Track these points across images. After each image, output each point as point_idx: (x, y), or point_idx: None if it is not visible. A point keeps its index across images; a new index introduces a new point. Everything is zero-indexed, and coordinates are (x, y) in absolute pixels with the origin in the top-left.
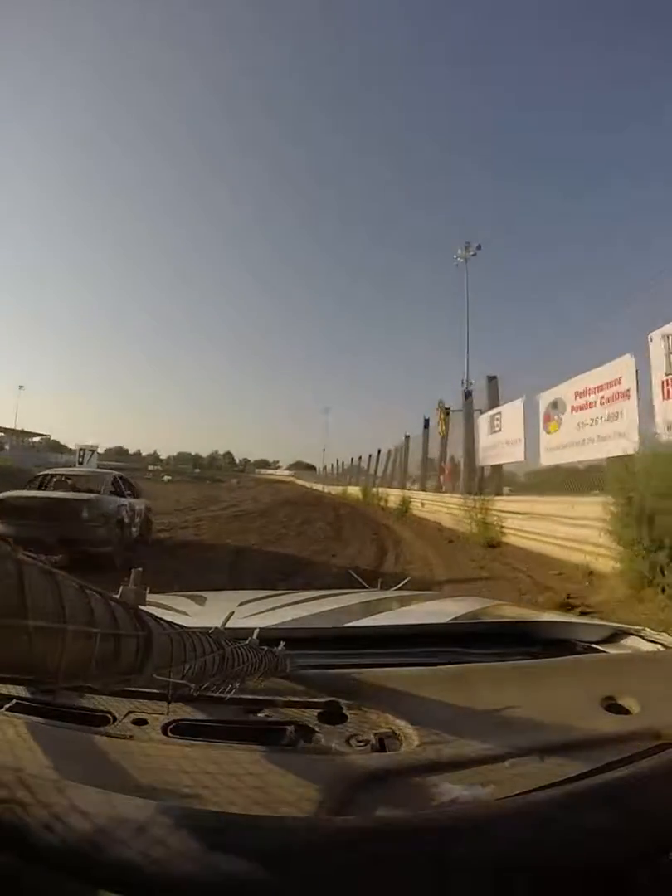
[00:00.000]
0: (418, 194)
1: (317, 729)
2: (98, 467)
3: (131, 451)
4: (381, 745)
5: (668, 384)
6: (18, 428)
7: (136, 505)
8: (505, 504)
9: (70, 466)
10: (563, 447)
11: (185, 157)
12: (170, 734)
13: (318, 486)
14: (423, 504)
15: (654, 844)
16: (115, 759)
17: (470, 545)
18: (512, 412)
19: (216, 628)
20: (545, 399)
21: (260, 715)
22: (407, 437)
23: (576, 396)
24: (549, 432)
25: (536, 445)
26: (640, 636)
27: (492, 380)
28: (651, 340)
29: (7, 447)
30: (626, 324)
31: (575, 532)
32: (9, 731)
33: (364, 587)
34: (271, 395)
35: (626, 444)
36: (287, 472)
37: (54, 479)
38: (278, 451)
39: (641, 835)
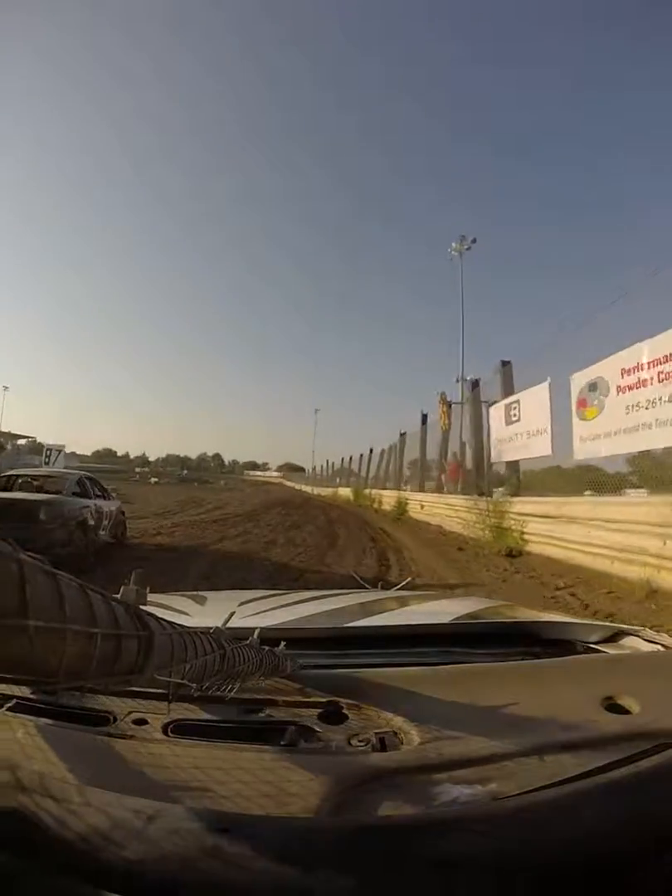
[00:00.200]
0: (413, 188)
1: (317, 729)
2: (67, 468)
3: (120, 454)
4: (382, 745)
5: None
6: (3, 430)
7: (106, 507)
8: (526, 505)
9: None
10: (606, 436)
11: (175, 152)
12: (170, 734)
13: (308, 488)
14: (422, 506)
15: (654, 844)
16: (116, 759)
17: (485, 554)
18: (534, 399)
19: (217, 628)
20: (579, 381)
21: (260, 715)
22: (402, 435)
23: (623, 375)
24: (585, 419)
25: (566, 436)
26: (640, 636)
27: (505, 365)
28: None
29: None
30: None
31: (623, 539)
32: (9, 732)
33: (364, 587)
34: (261, 396)
35: None
36: (276, 474)
37: (19, 480)
38: (267, 453)
39: (642, 834)
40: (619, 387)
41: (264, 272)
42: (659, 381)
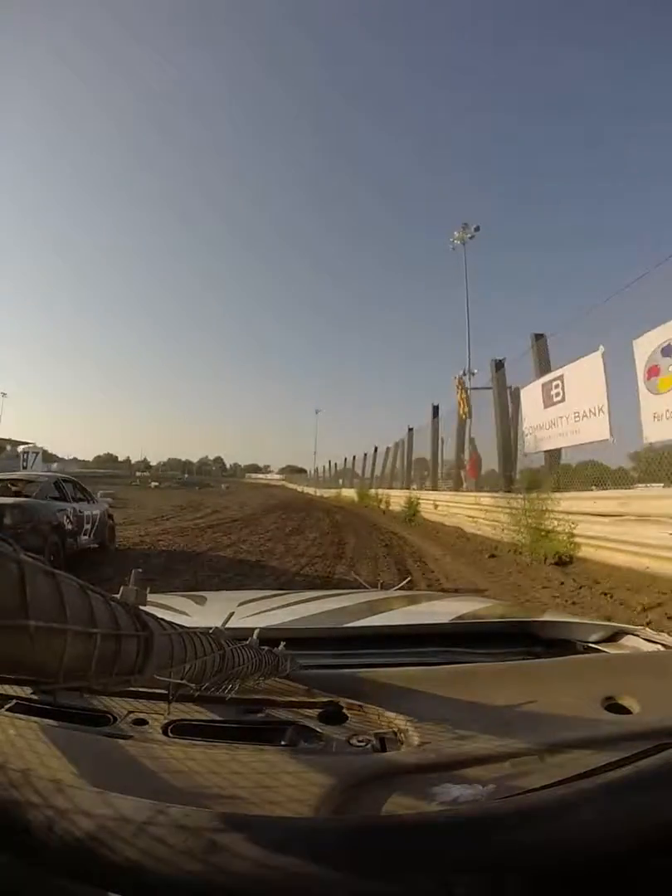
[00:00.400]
0: (415, 183)
1: (317, 729)
2: (49, 471)
3: (121, 458)
4: (382, 745)
5: None
6: (3, 436)
7: (87, 511)
8: (577, 502)
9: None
10: None
11: (169, 156)
12: (170, 734)
13: (310, 490)
14: (436, 506)
15: (654, 844)
16: (116, 760)
17: (526, 562)
18: (583, 373)
19: (216, 628)
20: (647, 345)
21: (260, 715)
22: (410, 430)
23: None
24: (659, 391)
25: (626, 415)
26: (640, 636)
27: (539, 338)
28: None
29: None
30: None
31: None
32: (9, 732)
33: (364, 587)
34: (262, 400)
35: None
36: (278, 477)
37: None
38: (269, 456)
39: (642, 834)
40: None
41: (267, 274)
42: None
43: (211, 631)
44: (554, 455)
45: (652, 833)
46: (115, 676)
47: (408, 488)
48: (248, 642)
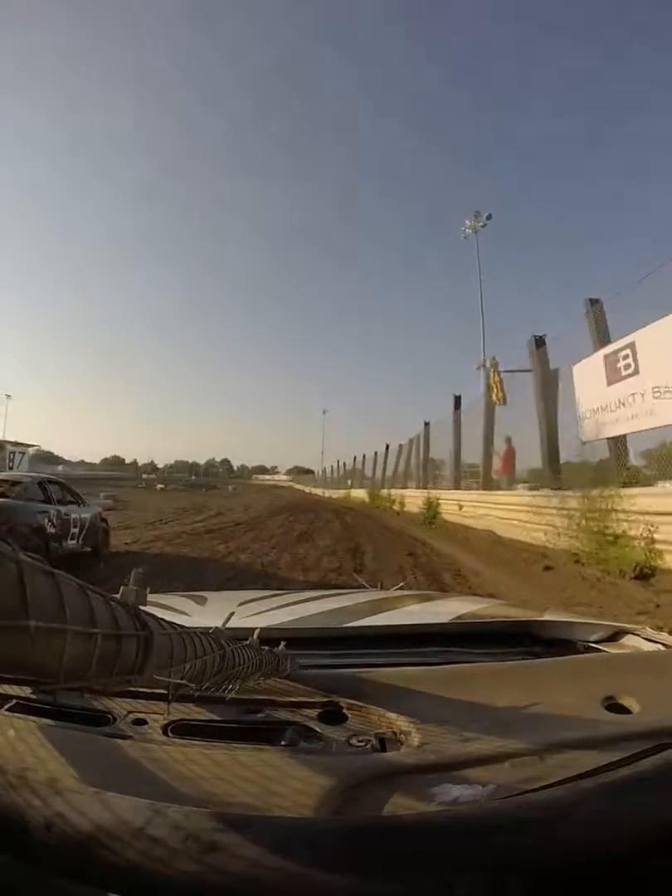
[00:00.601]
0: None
1: (317, 729)
2: (51, 472)
3: (128, 461)
4: (382, 745)
5: None
6: (7, 438)
7: (75, 513)
8: (656, 499)
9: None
10: None
11: (171, 151)
12: (170, 734)
13: (318, 491)
14: (460, 507)
15: (654, 844)
16: (116, 760)
17: (594, 576)
18: (666, 336)
19: (216, 628)
20: None
21: (260, 715)
22: (426, 425)
23: None
24: None
25: None
26: (640, 636)
27: (594, 304)
28: None
29: None
30: None
31: None
32: (9, 732)
33: (364, 587)
34: (269, 402)
35: None
36: (285, 478)
37: None
38: (276, 458)
39: (642, 834)
40: None
41: (273, 276)
42: None
43: (211, 631)
44: (619, 442)
45: (652, 833)
46: (115, 676)
47: (425, 488)
48: (248, 642)
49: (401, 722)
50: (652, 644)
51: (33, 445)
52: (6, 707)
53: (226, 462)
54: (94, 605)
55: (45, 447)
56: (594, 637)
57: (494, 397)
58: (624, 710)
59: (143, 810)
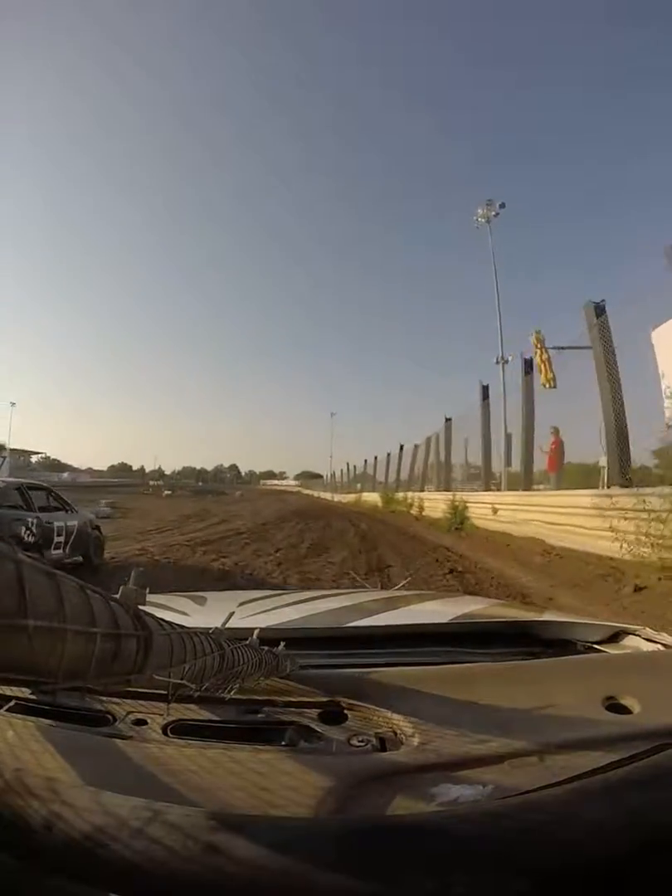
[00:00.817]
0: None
1: (317, 729)
2: (59, 480)
3: (135, 468)
4: (382, 745)
5: None
6: (14, 446)
7: (59, 521)
8: None
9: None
10: None
11: (180, 155)
12: (170, 734)
13: (327, 495)
14: (495, 510)
15: (654, 844)
16: (116, 760)
17: None
18: None
19: (216, 628)
20: None
21: (260, 715)
22: (448, 420)
23: None
24: None
25: None
26: (640, 636)
27: None
28: None
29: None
30: None
31: None
32: (9, 732)
33: (364, 587)
34: (276, 406)
35: None
36: (294, 482)
37: None
38: (284, 462)
39: (642, 834)
40: None
41: (276, 279)
42: None
43: (211, 631)
44: None
45: (652, 833)
46: (115, 676)
47: (448, 490)
48: (248, 642)
49: (401, 722)
50: (652, 644)
51: (38, 452)
52: (6, 707)
53: (233, 467)
54: (93, 605)
55: (53, 455)
56: (594, 637)
57: (542, 380)
58: (624, 711)
59: (143, 811)
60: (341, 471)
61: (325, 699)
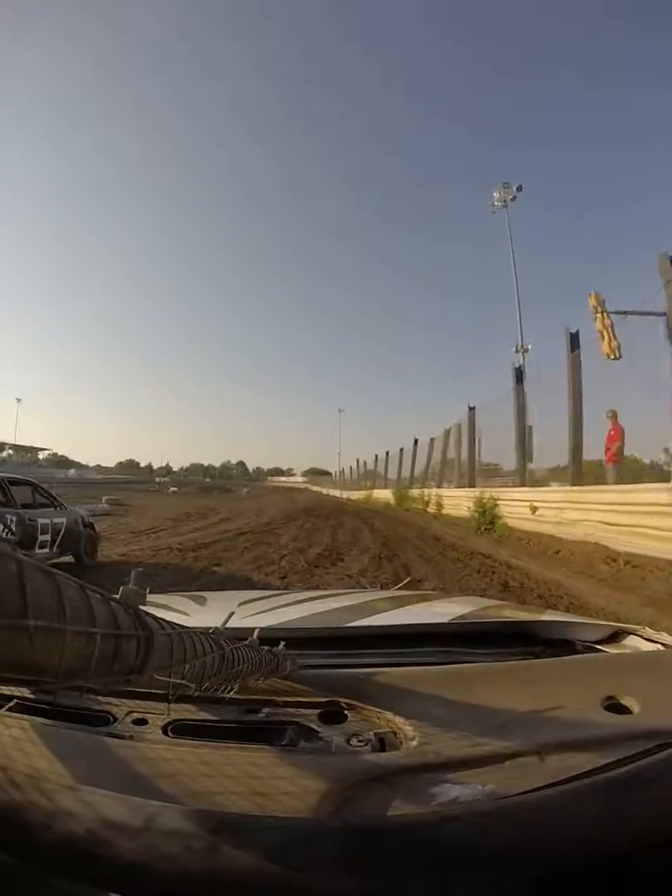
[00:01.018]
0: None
1: (317, 729)
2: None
3: (143, 465)
4: (382, 745)
5: None
6: (20, 443)
7: (46, 519)
8: None
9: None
10: None
11: (186, 150)
12: (170, 734)
13: (336, 492)
14: (534, 509)
15: (654, 844)
16: (116, 759)
17: None
18: None
19: (216, 628)
20: None
21: (260, 715)
22: (471, 409)
23: None
24: None
25: None
26: (640, 636)
27: None
28: None
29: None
30: None
31: None
32: (9, 732)
33: (364, 587)
34: (285, 403)
35: None
36: (301, 479)
37: None
38: (292, 459)
39: (642, 834)
40: None
41: (286, 277)
42: None
43: (211, 631)
44: None
45: (652, 833)
46: (115, 676)
47: (472, 486)
48: (248, 642)
49: (401, 722)
50: (652, 644)
51: (44, 449)
52: (6, 707)
53: (241, 464)
54: (93, 605)
55: (62, 452)
56: (594, 637)
57: (604, 349)
58: (624, 710)
59: (143, 810)
60: (351, 467)
61: (325, 699)
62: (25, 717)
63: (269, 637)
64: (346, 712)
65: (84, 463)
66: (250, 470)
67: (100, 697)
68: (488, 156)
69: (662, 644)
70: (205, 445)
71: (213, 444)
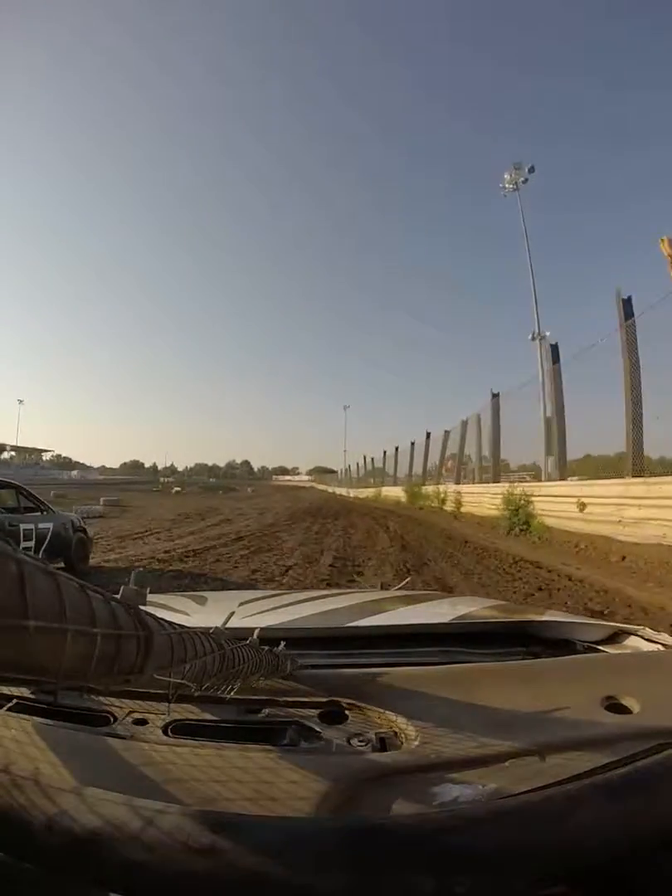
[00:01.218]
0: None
1: (317, 728)
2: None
3: (147, 465)
4: (382, 745)
5: None
6: (22, 444)
7: (28, 524)
8: None
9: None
10: None
11: (187, 152)
12: (170, 734)
13: (342, 490)
14: (582, 506)
15: (654, 844)
16: (116, 759)
17: None
18: None
19: (217, 628)
20: None
21: (261, 715)
22: (495, 396)
23: None
24: None
25: None
26: (640, 636)
27: None
28: None
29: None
30: None
31: None
32: (10, 732)
33: (364, 587)
34: (289, 402)
35: None
36: (307, 478)
37: None
38: (297, 458)
39: (642, 834)
40: None
41: (286, 276)
42: None
43: (211, 631)
44: None
45: (652, 833)
46: (115, 676)
47: (496, 481)
48: (248, 642)
49: (401, 722)
50: (652, 644)
51: (48, 451)
52: (6, 707)
53: (246, 464)
54: (94, 605)
55: (66, 454)
56: (594, 637)
57: None
58: (624, 710)
59: (144, 810)
60: (358, 464)
61: (325, 699)
62: (26, 717)
63: (270, 637)
64: (346, 712)
65: (89, 464)
66: (255, 469)
67: (100, 697)
68: (490, 149)
69: (662, 644)
70: (210, 445)
71: (217, 443)
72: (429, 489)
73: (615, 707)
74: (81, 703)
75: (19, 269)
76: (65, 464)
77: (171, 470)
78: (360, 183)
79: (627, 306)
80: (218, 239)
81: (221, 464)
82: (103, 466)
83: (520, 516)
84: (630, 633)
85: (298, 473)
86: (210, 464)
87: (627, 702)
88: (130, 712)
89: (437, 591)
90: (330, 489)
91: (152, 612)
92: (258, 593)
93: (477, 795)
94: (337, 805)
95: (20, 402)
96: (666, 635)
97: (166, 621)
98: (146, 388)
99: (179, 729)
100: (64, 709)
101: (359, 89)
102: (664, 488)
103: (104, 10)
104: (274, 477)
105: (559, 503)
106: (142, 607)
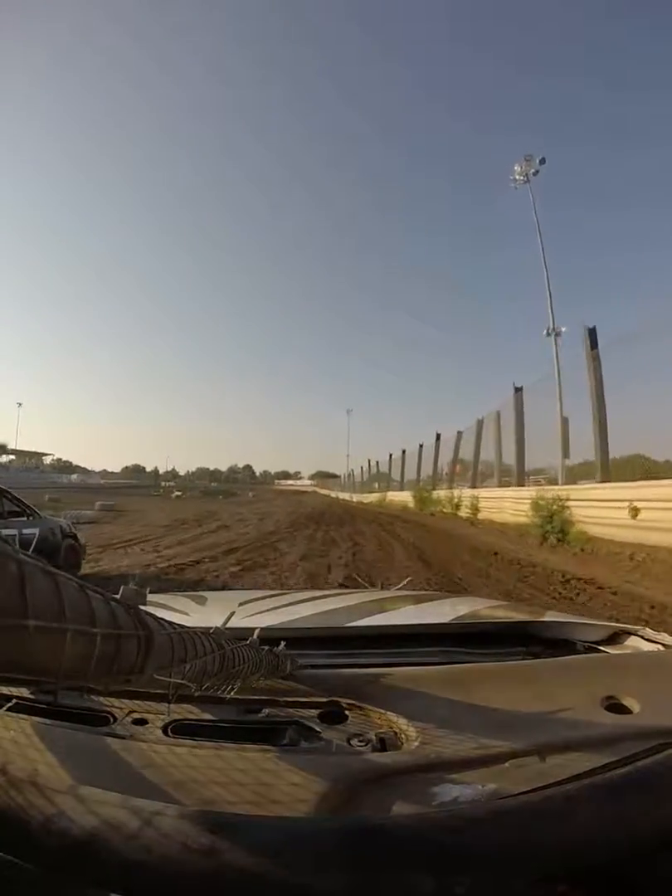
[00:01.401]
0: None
1: (317, 728)
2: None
3: (149, 469)
4: (382, 745)
5: None
6: (22, 447)
7: (11, 530)
8: None
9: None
10: None
11: (187, 152)
12: (170, 734)
13: (345, 495)
14: (635, 512)
15: (654, 844)
16: (116, 759)
17: None
18: None
19: (217, 628)
20: None
21: (260, 715)
22: (518, 390)
23: None
24: None
25: None
26: (640, 636)
27: None
28: None
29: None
30: None
31: None
32: (9, 732)
33: (364, 587)
34: (292, 405)
35: None
36: (309, 482)
37: None
38: (300, 463)
39: (642, 834)
40: None
41: (293, 279)
42: None
43: (211, 631)
44: None
45: (652, 833)
46: (115, 676)
47: (521, 485)
48: (248, 642)
49: (401, 722)
50: (652, 644)
51: (48, 454)
52: (6, 707)
53: (248, 468)
54: (94, 605)
55: (67, 457)
56: (594, 637)
57: None
58: (624, 710)
59: (143, 810)
60: (362, 468)
61: (325, 699)
62: (25, 717)
63: (270, 637)
64: (346, 712)
65: (90, 468)
66: (257, 473)
67: (100, 697)
68: (490, 149)
69: (663, 644)
70: (211, 450)
71: (219, 448)
72: (441, 494)
73: (615, 707)
74: (81, 703)
75: (19, 269)
76: (65, 467)
77: (173, 474)
78: (360, 183)
79: None
80: (218, 239)
81: (223, 468)
82: (104, 470)
83: (554, 524)
84: (630, 633)
85: (300, 478)
86: (212, 468)
87: (627, 702)
88: (130, 712)
89: (437, 591)
90: (332, 494)
91: (152, 612)
92: (258, 593)
93: (477, 796)
94: (337, 805)
95: (19, 404)
96: (666, 635)
97: (166, 621)
98: (146, 389)
99: (179, 729)
100: (64, 709)
101: (359, 89)
102: None
103: (104, 10)
104: (276, 481)
105: (604, 509)
106: (142, 607)
